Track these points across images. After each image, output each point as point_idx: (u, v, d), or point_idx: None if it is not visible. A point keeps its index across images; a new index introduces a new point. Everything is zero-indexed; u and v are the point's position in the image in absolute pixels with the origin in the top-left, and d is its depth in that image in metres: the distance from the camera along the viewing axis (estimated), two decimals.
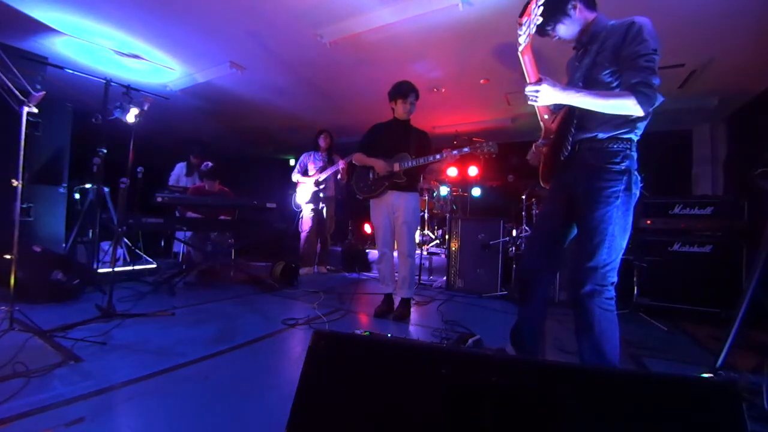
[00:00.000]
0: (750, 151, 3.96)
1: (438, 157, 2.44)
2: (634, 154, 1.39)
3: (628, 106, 1.27)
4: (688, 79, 3.69)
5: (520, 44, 1.34)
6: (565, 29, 1.46)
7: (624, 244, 1.39)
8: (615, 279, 1.38)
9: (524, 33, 1.32)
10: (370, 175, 2.67)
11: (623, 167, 1.36)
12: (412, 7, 2.74)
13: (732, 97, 4.11)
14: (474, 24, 2.91)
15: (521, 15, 1.33)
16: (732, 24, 2.75)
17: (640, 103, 1.26)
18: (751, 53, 3.12)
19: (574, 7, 1.43)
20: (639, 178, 1.41)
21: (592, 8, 1.47)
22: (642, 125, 1.39)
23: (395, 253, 2.79)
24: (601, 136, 1.39)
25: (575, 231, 1.54)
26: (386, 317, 2.67)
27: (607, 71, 1.37)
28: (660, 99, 1.31)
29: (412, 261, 2.62)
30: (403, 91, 2.59)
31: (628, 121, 1.36)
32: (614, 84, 1.37)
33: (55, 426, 1.16)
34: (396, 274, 2.78)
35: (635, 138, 1.40)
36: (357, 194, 2.79)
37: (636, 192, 1.39)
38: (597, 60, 1.40)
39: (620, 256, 1.39)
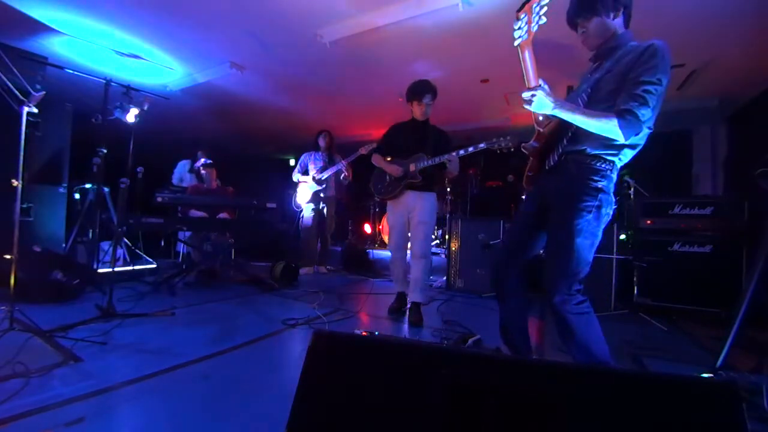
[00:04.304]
0: (750, 151, 3.97)
1: (454, 155, 2.39)
2: (614, 177, 1.42)
3: (611, 129, 1.28)
4: (688, 79, 3.69)
5: (515, 39, 1.34)
6: (596, 27, 1.45)
7: (590, 257, 1.41)
8: (580, 286, 1.41)
9: (522, 29, 1.32)
10: (387, 177, 2.65)
11: (600, 185, 1.39)
12: (413, 7, 2.74)
13: (732, 98, 4.12)
14: (474, 24, 2.91)
15: (519, 10, 1.34)
16: (732, 24, 2.75)
17: (622, 127, 1.27)
18: (751, 53, 3.13)
19: (617, 12, 1.43)
20: (614, 200, 1.44)
21: (626, 24, 1.48)
22: (629, 153, 1.41)
23: (408, 254, 2.75)
24: (589, 151, 1.41)
25: (544, 239, 1.57)
26: (398, 316, 2.66)
27: (612, 89, 1.38)
28: (646, 132, 1.34)
29: (425, 262, 2.56)
30: (418, 91, 2.55)
31: (618, 146, 1.38)
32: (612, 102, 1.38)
33: (55, 426, 1.16)
34: (409, 276, 2.71)
35: (618, 163, 1.42)
36: (375, 196, 2.79)
37: (609, 212, 1.41)
38: (606, 77, 1.41)
39: (587, 268, 1.41)
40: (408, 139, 2.62)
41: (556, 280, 1.40)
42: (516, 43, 1.35)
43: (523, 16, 1.32)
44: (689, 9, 2.61)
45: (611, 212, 1.43)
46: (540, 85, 1.34)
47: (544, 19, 1.30)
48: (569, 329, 1.39)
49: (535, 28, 1.31)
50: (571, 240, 1.38)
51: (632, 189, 3.73)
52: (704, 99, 4.21)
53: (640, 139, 1.39)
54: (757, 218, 2.69)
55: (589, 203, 1.38)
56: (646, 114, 1.27)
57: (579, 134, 1.41)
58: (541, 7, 1.28)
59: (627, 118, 1.27)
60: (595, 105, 1.41)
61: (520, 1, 1.36)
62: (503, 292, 1.66)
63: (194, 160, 4.85)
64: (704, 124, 5.01)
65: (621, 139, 1.30)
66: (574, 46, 1.62)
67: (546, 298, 1.44)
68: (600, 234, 1.41)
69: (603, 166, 1.40)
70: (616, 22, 1.44)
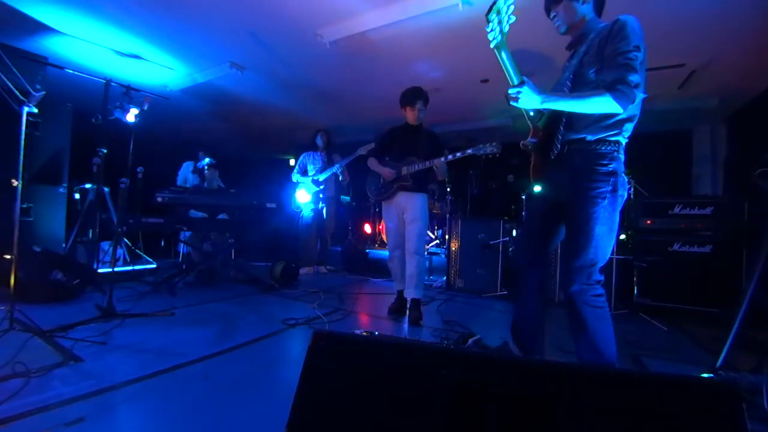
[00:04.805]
0: (750, 151, 3.96)
1: (442, 160, 2.52)
2: (622, 157, 1.42)
3: (607, 103, 1.29)
4: (688, 79, 3.69)
5: (490, 41, 1.36)
6: (564, 10, 1.49)
7: (611, 244, 1.41)
8: (600, 277, 1.40)
9: (494, 30, 1.34)
10: (381, 179, 2.78)
11: (610, 169, 1.38)
12: (412, 7, 2.74)
13: (732, 98, 4.11)
14: (474, 24, 2.90)
15: (488, 12, 1.36)
16: (732, 24, 2.74)
17: (617, 99, 1.27)
18: (751, 53, 3.12)
19: None
20: (626, 180, 1.43)
21: (598, 11, 1.51)
22: (630, 126, 1.41)
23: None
24: (589, 138, 1.41)
25: (563, 231, 1.57)
26: (398, 315, 2.71)
27: (593, 69, 1.39)
28: (640, 96, 1.32)
29: (419, 259, 2.62)
30: (410, 98, 2.67)
31: (615, 123, 1.37)
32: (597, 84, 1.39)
33: (55, 426, 1.16)
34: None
35: (623, 141, 1.42)
36: (369, 197, 2.95)
37: (623, 194, 1.41)
38: (584, 60, 1.43)
39: (607, 255, 1.41)
40: (401, 143, 2.75)
41: (574, 270, 1.39)
42: (492, 45, 1.37)
43: (493, 17, 1.34)
44: (689, 9, 2.61)
45: (626, 193, 1.42)
46: (524, 81, 1.35)
47: (513, 18, 1.32)
48: (582, 322, 1.38)
49: (507, 28, 1.33)
50: (589, 229, 1.37)
51: (632, 189, 3.73)
52: (704, 99, 4.20)
53: (636, 108, 1.38)
54: (757, 218, 2.69)
55: (602, 189, 1.37)
56: (635, 79, 1.27)
57: (573, 119, 1.42)
58: (508, 6, 1.30)
59: (619, 89, 1.27)
60: (580, 89, 1.42)
61: (522, 2, 1.37)
62: (522, 291, 1.67)
63: (196, 160, 4.85)
64: (704, 124, 5.01)
65: (619, 111, 1.30)
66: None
67: (564, 289, 1.44)
68: (617, 219, 1.41)
69: (608, 148, 1.39)
70: (585, 8, 1.47)
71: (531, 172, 1.71)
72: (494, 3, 1.33)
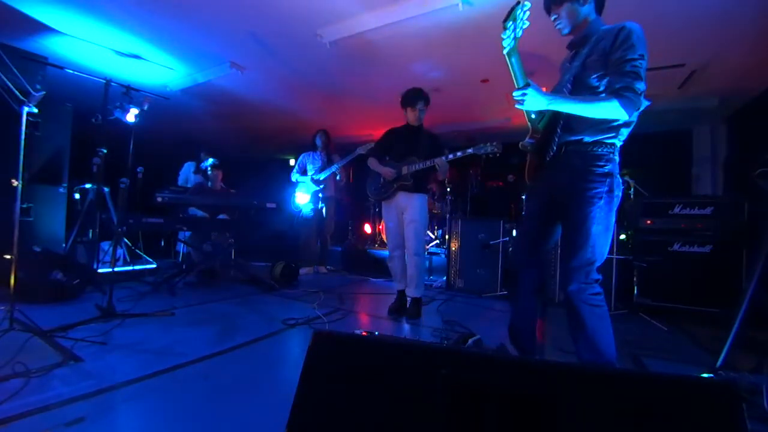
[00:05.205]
0: (750, 151, 3.96)
1: (444, 159, 2.53)
2: (617, 158, 1.45)
3: (613, 110, 1.31)
4: (688, 79, 3.69)
5: (504, 47, 1.39)
6: (566, 12, 1.49)
7: (607, 243, 1.43)
8: (598, 276, 1.42)
9: (509, 36, 1.37)
10: (381, 179, 2.79)
11: (606, 170, 1.41)
12: (412, 7, 2.74)
13: (732, 98, 4.11)
14: (474, 24, 2.91)
15: (505, 19, 1.39)
16: (732, 24, 2.75)
17: (624, 106, 1.30)
18: (751, 54, 3.13)
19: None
20: (621, 181, 1.46)
21: (598, 11, 1.52)
22: (626, 131, 1.44)
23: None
24: (586, 139, 1.43)
25: (559, 230, 1.59)
26: (398, 315, 2.72)
27: (595, 75, 1.40)
28: (645, 103, 1.35)
29: (419, 259, 2.65)
30: (411, 98, 2.70)
31: (613, 127, 1.40)
32: (601, 88, 1.40)
33: (55, 426, 1.16)
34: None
35: (618, 143, 1.45)
36: (369, 197, 2.99)
37: (618, 194, 1.44)
38: (586, 63, 1.44)
39: (604, 254, 1.43)
40: (401, 143, 2.76)
41: (572, 270, 1.41)
42: (505, 51, 1.40)
43: (509, 24, 1.37)
44: (689, 9, 2.61)
45: (620, 193, 1.45)
46: (529, 84, 1.37)
47: (527, 23, 1.35)
48: (581, 321, 1.39)
49: (520, 33, 1.36)
50: (586, 228, 1.39)
51: (632, 189, 3.73)
52: (704, 99, 4.20)
53: (634, 115, 1.40)
54: (757, 218, 2.69)
55: (598, 190, 1.40)
56: (641, 87, 1.31)
57: (571, 122, 1.43)
58: (524, 12, 1.33)
59: (627, 96, 1.30)
60: (580, 92, 1.44)
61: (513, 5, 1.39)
62: (519, 292, 1.68)
63: (198, 160, 4.86)
64: (704, 124, 5.01)
65: (624, 117, 1.33)
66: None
67: (563, 288, 1.45)
68: (613, 218, 1.43)
69: (605, 150, 1.42)
70: (586, 9, 1.48)
71: (527, 173, 1.73)
72: (512, 10, 1.36)
